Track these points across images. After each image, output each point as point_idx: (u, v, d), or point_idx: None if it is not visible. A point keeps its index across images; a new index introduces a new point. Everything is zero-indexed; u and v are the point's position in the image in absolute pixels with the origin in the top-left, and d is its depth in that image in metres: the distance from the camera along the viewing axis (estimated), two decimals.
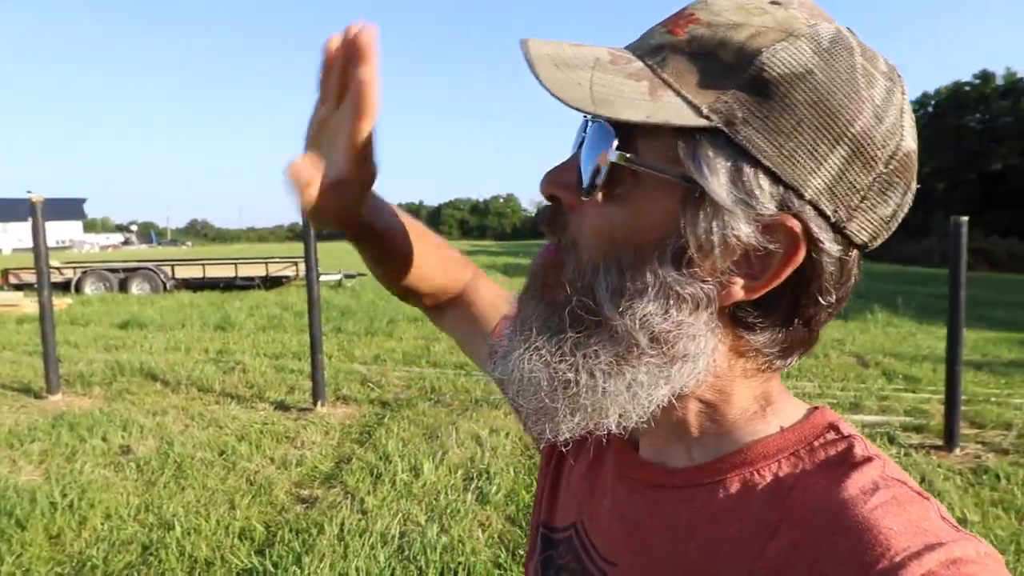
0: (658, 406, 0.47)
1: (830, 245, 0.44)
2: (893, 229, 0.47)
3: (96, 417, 5.05)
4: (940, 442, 4.61)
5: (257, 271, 15.07)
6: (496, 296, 0.83)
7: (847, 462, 0.45)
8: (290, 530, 3.31)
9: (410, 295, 0.80)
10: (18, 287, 13.94)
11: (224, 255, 23.55)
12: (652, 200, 0.45)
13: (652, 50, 0.45)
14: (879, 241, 0.47)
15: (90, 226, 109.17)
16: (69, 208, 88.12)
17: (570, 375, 0.46)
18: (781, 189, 0.42)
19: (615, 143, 0.44)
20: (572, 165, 0.48)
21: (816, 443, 0.47)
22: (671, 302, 0.45)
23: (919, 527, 0.40)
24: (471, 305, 0.82)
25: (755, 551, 0.44)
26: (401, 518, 3.44)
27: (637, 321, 0.45)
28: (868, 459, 0.45)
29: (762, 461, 0.47)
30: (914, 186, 0.46)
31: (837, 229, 0.44)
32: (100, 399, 5.76)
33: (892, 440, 4.65)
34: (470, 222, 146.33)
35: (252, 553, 3.08)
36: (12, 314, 11.00)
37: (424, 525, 3.36)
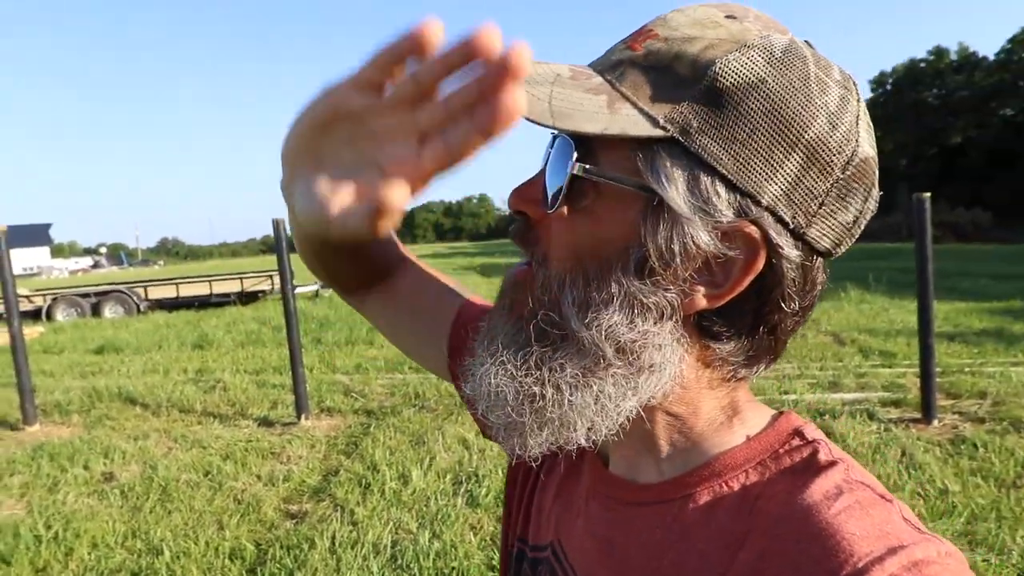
0: (627, 418, 0.47)
1: (790, 251, 0.44)
2: (856, 235, 0.48)
3: (76, 446, 4.97)
4: (918, 415, 4.72)
5: (232, 287, 14.89)
6: (429, 283, 0.78)
7: (811, 468, 0.46)
8: (281, 547, 3.29)
9: (332, 277, 0.76)
10: None
11: (198, 272, 23.23)
12: (614, 211, 0.46)
13: (611, 66, 0.46)
14: (843, 248, 0.47)
15: (57, 251, 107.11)
16: (34, 234, 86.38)
17: (536, 389, 0.47)
18: (738, 196, 0.43)
19: (575, 156, 0.45)
20: (538, 180, 0.49)
21: (781, 450, 0.48)
22: (636, 312, 0.45)
23: (881, 530, 0.40)
24: (400, 292, 0.78)
25: (725, 563, 0.45)
26: (392, 527, 3.44)
27: (603, 332, 0.45)
28: (832, 463, 0.46)
29: (729, 472, 0.48)
30: (876, 193, 0.47)
31: (797, 235, 0.45)
32: (79, 427, 5.66)
33: (872, 416, 4.74)
34: (444, 224, 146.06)
35: (244, 573, 3.06)
36: None
37: (416, 532, 3.37)
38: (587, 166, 0.45)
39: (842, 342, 7.42)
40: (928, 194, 4.61)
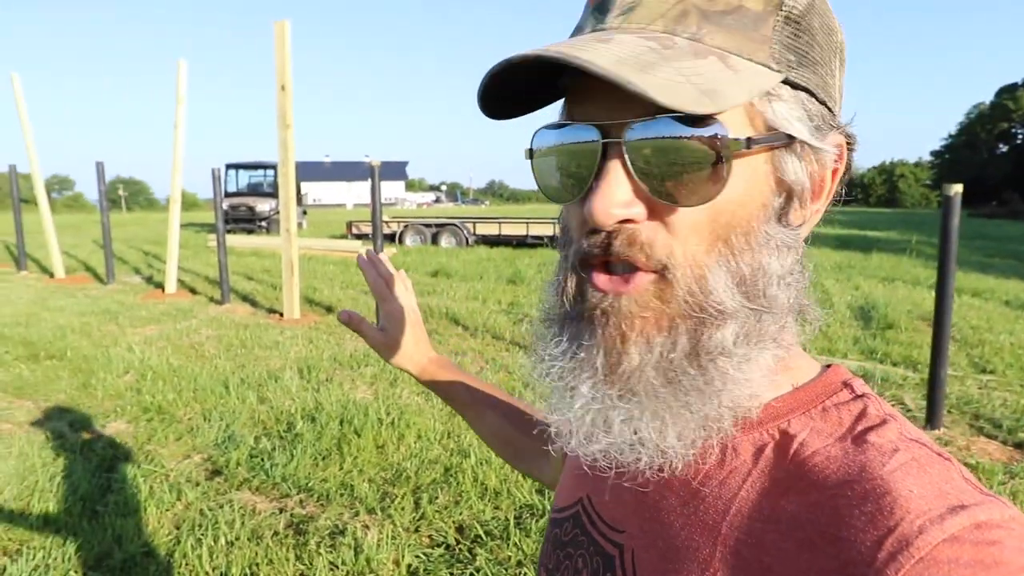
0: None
1: (849, 139, 0.48)
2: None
3: None
4: None
5: (546, 230, 16.01)
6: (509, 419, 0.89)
7: (862, 423, 0.44)
8: None
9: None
10: (358, 236, 16.75)
11: (517, 215, 25.46)
12: (747, 171, 0.43)
13: (675, 19, 0.42)
14: None
15: (410, 186, 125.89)
16: (395, 170, 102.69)
17: (707, 389, 0.43)
18: (826, 110, 0.46)
19: (725, 135, 0.41)
20: (619, 180, 0.42)
21: (829, 403, 0.46)
22: (787, 261, 0.45)
23: (941, 489, 0.38)
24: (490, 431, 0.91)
25: (766, 510, 0.43)
26: None
27: (768, 300, 0.44)
28: (884, 420, 0.44)
29: (772, 421, 0.46)
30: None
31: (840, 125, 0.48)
32: None
33: None
34: None
35: (533, 491, 3.34)
36: (353, 259, 13.27)
37: None
38: (750, 136, 0.42)
39: None
40: (959, 186, 3.63)
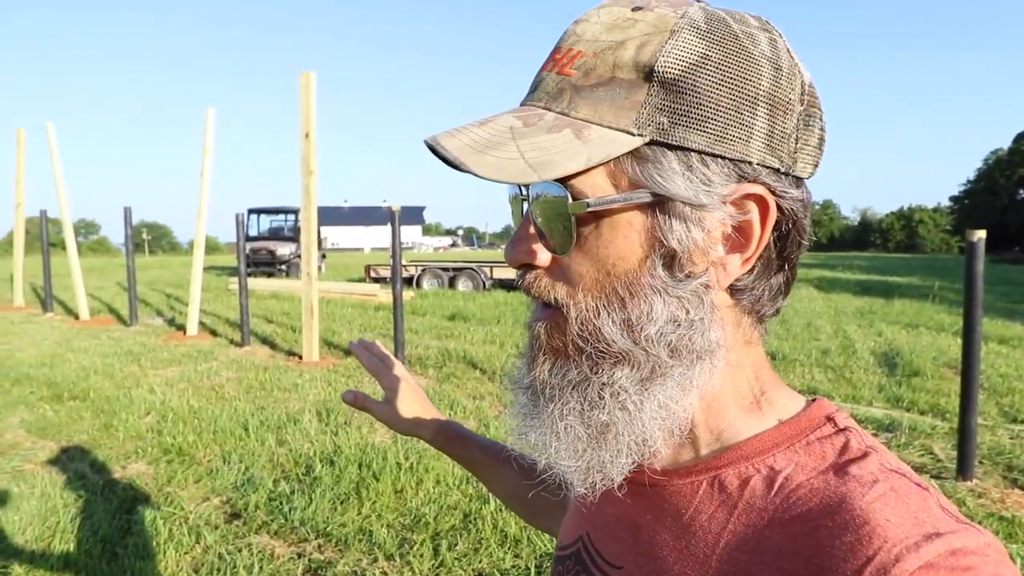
0: (688, 411, 0.48)
1: (790, 190, 0.48)
2: (824, 150, 0.50)
3: (430, 395, 5.87)
4: None
5: None
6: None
7: (843, 456, 0.46)
8: None
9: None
10: (376, 280, 16.89)
11: None
12: (623, 227, 0.46)
13: (553, 97, 0.47)
14: (819, 168, 0.50)
15: (427, 230, 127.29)
16: (413, 215, 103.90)
17: (604, 417, 0.48)
18: (730, 165, 0.46)
19: (568, 198, 0.46)
20: (527, 232, 0.50)
21: (813, 437, 0.48)
22: (677, 307, 0.47)
23: (917, 518, 0.39)
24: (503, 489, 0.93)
25: (752, 542, 0.45)
26: None
27: (653, 341, 0.46)
28: (865, 453, 0.45)
29: (758, 456, 0.48)
30: (822, 104, 0.50)
31: (788, 175, 0.48)
32: (433, 379, 6.70)
33: None
34: None
35: (554, 540, 3.28)
36: (371, 302, 13.37)
37: None
38: (589, 200, 0.45)
39: None
40: (983, 232, 3.54)
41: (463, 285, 16.50)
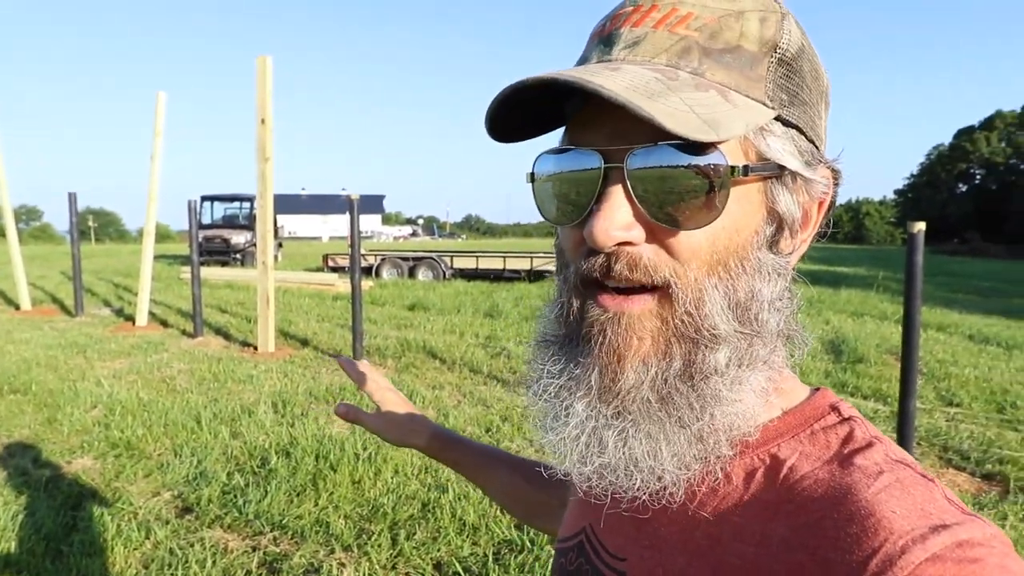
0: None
1: (835, 173, 0.51)
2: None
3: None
4: None
5: (523, 265, 16.09)
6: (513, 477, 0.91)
7: (849, 446, 0.45)
8: None
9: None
10: (334, 269, 16.66)
11: (494, 248, 25.55)
12: (744, 197, 0.46)
13: (678, 55, 0.45)
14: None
15: (386, 219, 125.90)
16: (372, 203, 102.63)
17: (709, 411, 0.45)
18: (813, 147, 0.49)
19: (723, 160, 0.43)
20: (622, 204, 0.44)
21: (817, 426, 0.48)
22: (777, 286, 0.47)
23: (924, 510, 0.39)
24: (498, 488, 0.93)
25: (757, 534, 0.44)
26: None
27: (759, 323, 0.46)
28: (870, 443, 0.45)
29: (763, 445, 0.48)
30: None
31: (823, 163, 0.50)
32: (392, 370, 6.65)
33: None
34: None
35: (512, 526, 3.31)
36: (329, 292, 13.19)
37: None
38: (749, 165, 0.44)
39: None
40: (923, 224, 3.76)
41: (423, 275, 16.39)
